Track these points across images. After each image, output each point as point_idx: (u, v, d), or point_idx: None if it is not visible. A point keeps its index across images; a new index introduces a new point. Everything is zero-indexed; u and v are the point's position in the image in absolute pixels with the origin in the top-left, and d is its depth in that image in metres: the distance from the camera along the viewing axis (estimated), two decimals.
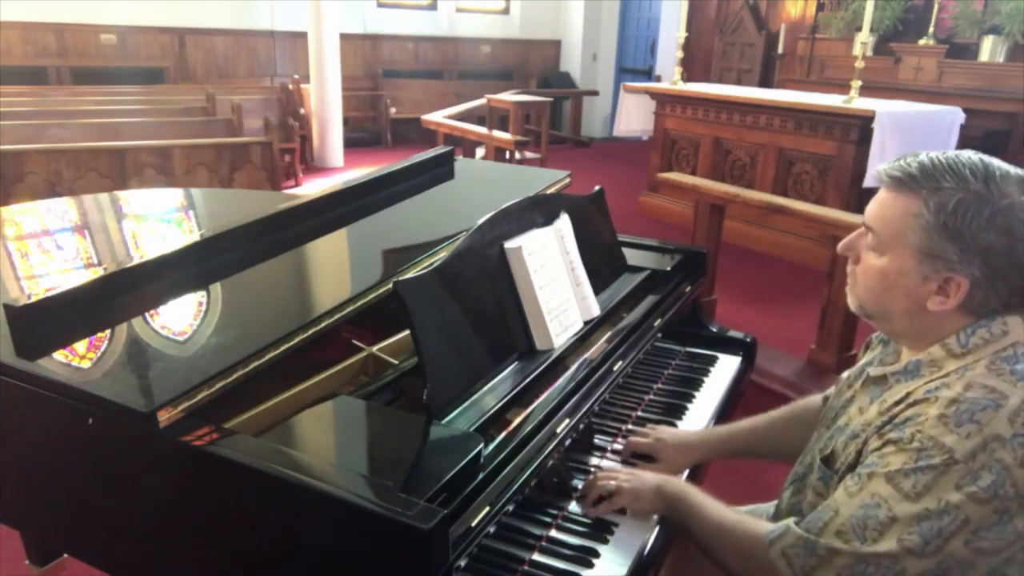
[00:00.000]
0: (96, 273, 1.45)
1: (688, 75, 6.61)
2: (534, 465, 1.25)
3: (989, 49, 6.16)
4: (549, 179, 2.29)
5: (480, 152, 7.04)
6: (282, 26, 9.27)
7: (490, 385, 1.37)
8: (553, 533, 1.30)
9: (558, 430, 1.34)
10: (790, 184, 5.19)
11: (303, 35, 8.44)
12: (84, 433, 1.20)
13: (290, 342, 1.29)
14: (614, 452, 1.56)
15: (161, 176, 5.21)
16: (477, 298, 1.42)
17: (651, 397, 1.79)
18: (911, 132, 4.58)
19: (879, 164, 1.16)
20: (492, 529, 1.16)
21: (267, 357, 1.25)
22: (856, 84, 4.84)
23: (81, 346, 1.33)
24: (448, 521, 0.99)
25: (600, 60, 11.12)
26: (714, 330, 2.13)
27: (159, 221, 2.42)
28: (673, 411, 1.76)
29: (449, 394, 1.28)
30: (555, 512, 1.34)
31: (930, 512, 0.99)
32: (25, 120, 5.85)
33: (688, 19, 6.14)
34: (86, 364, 1.29)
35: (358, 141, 9.30)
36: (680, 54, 6.09)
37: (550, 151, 8.01)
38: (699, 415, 1.77)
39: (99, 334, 1.37)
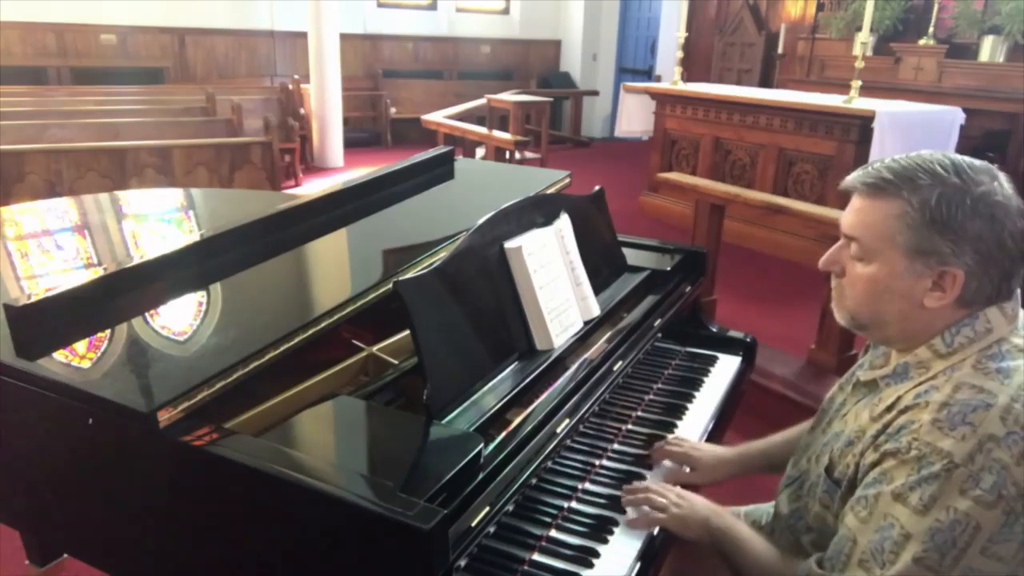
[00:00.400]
0: (96, 273, 1.45)
1: (688, 75, 6.61)
2: (534, 465, 1.25)
3: (989, 49, 6.15)
4: (549, 179, 2.29)
5: (480, 152, 7.04)
6: (282, 26, 9.27)
7: (490, 385, 1.37)
8: (553, 533, 1.30)
9: (558, 430, 1.34)
10: (790, 184, 5.19)
11: (303, 35, 8.44)
12: (84, 433, 1.20)
13: (290, 342, 1.30)
14: (614, 452, 1.56)
15: (161, 176, 5.21)
16: (477, 298, 1.42)
17: (651, 397, 1.79)
18: (911, 132, 4.58)
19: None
20: (492, 529, 1.16)
21: (267, 357, 1.25)
22: (856, 84, 4.84)
23: (81, 346, 1.33)
24: (448, 521, 0.99)
25: (600, 60, 11.12)
26: (714, 330, 2.13)
27: (159, 221, 2.42)
28: (673, 411, 1.76)
29: (449, 394, 1.28)
30: (555, 512, 1.34)
31: (941, 523, 0.98)
32: (25, 120, 5.85)
33: (688, 19, 6.14)
34: (86, 364, 1.29)
35: (358, 141, 9.30)
36: (680, 54, 6.09)
37: (550, 151, 8.01)
38: (699, 415, 1.77)
39: (99, 334, 1.37)
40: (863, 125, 4.63)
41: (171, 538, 1.20)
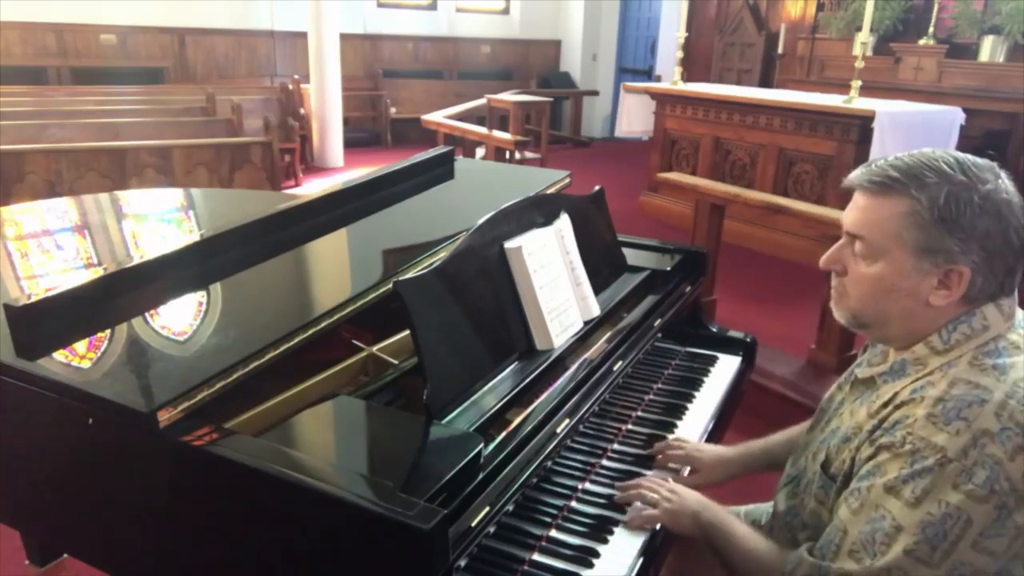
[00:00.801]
0: (96, 273, 1.45)
1: (688, 75, 6.61)
2: (534, 465, 1.25)
3: (989, 49, 6.15)
4: (549, 179, 2.29)
5: (480, 152, 7.04)
6: (282, 26, 9.27)
7: (490, 385, 1.37)
8: (553, 533, 1.30)
9: (558, 430, 1.34)
10: (790, 184, 5.19)
11: (303, 35, 8.44)
12: (84, 433, 1.20)
13: (290, 342, 1.30)
14: (615, 452, 1.56)
15: (161, 176, 5.21)
16: (477, 298, 1.42)
17: (651, 397, 1.79)
18: (911, 132, 4.58)
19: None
20: (492, 529, 1.16)
21: (267, 357, 1.25)
22: (856, 84, 4.84)
23: (81, 346, 1.33)
24: (448, 521, 0.99)
25: (600, 60, 11.12)
26: (714, 330, 2.13)
27: (159, 221, 2.42)
28: (673, 411, 1.76)
29: (449, 394, 1.28)
30: (555, 512, 1.34)
31: (933, 516, 0.99)
32: (25, 120, 5.85)
33: (688, 19, 6.14)
34: (86, 364, 1.29)
35: (358, 141, 9.30)
36: (680, 54, 6.09)
37: (550, 151, 8.01)
38: (699, 415, 1.77)
39: (99, 334, 1.37)
40: (863, 125, 4.63)
41: (171, 538, 1.20)
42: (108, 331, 1.38)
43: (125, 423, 1.14)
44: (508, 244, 1.51)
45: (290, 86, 8.36)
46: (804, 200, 4.61)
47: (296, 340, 1.31)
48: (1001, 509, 0.98)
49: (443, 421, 1.24)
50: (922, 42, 6.53)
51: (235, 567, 1.16)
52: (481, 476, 1.12)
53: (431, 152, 2.44)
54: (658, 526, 1.32)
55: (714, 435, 1.74)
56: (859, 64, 4.89)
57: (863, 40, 4.87)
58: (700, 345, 2.08)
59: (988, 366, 1.04)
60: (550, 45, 11.33)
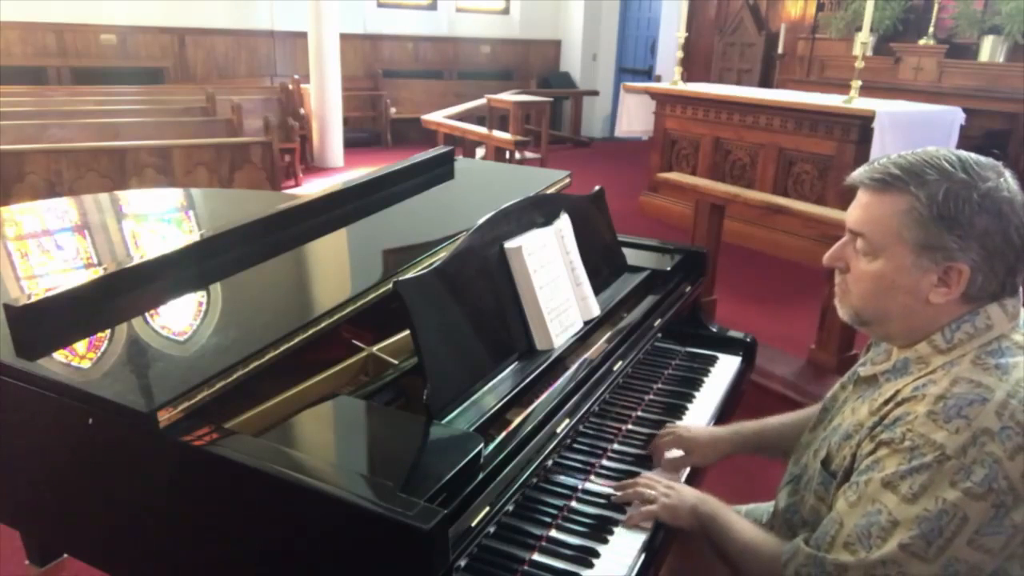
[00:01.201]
0: (96, 273, 1.45)
1: (688, 75, 6.61)
2: (534, 465, 1.25)
3: (989, 49, 6.15)
4: (549, 179, 2.29)
5: (480, 152, 7.04)
6: (282, 26, 9.27)
7: (490, 385, 1.37)
8: (553, 533, 1.30)
9: (558, 430, 1.34)
10: (790, 184, 5.19)
11: (303, 35, 8.44)
12: (84, 433, 1.20)
13: (290, 342, 1.29)
14: (615, 452, 1.56)
15: (161, 176, 5.21)
16: (477, 298, 1.42)
17: (651, 397, 1.79)
18: (911, 132, 4.58)
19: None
20: (492, 529, 1.16)
21: (267, 357, 1.25)
22: (856, 84, 4.84)
23: (81, 346, 1.33)
24: (448, 521, 0.99)
25: (600, 60, 11.12)
26: (714, 330, 2.13)
27: (159, 221, 2.42)
28: (673, 411, 1.76)
29: (449, 394, 1.28)
30: (555, 512, 1.34)
31: (929, 512, 1.00)
32: (25, 120, 5.85)
33: (688, 19, 6.14)
34: (86, 364, 1.29)
35: (358, 141, 9.29)
36: (680, 54, 6.09)
37: (550, 151, 8.01)
38: (699, 415, 1.77)
39: (99, 334, 1.37)
40: (863, 125, 4.63)
41: (171, 538, 1.20)
42: (108, 331, 1.38)
43: (125, 423, 1.13)
44: (508, 244, 1.51)
45: (290, 86, 8.36)
46: (804, 200, 4.61)
47: (296, 340, 1.31)
48: (999, 508, 0.98)
49: (443, 421, 1.24)
50: (922, 42, 6.53)
51: (235, 567, 1.16)
52: (481, 476, 1.11)
53: (431, 152, 2.44)
54: (658, 524, 1.32)
55: None
56: (859, 64, 4.89)
57: (863, 40, 4.87)
58: (700, 345, 2.08)
59: (991, 365, 1.05)
60: (550, 45, 11.33)
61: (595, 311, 1.67)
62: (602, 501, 1.39)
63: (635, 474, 1.48)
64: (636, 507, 1.35)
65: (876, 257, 1.11)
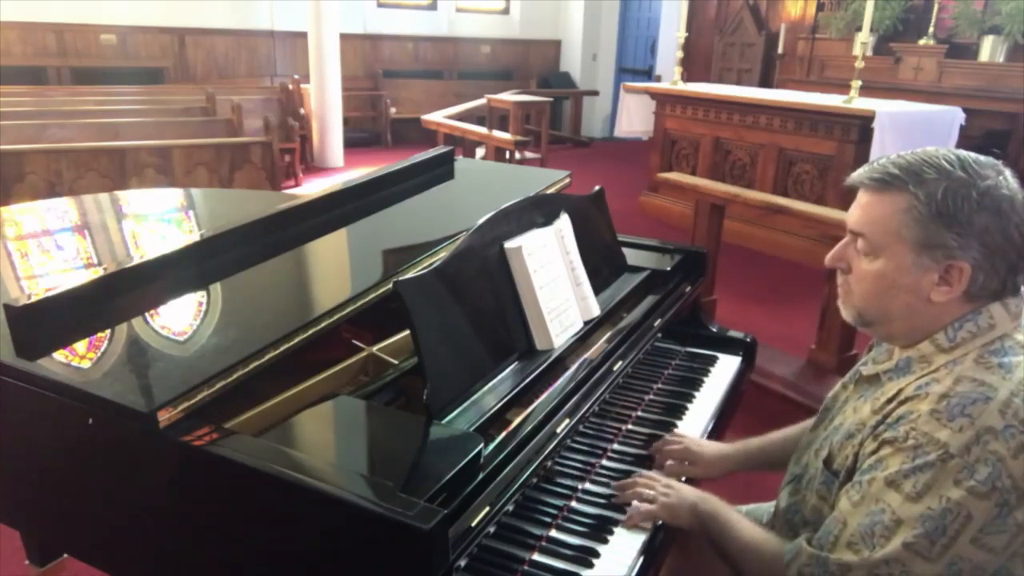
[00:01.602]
0: (96, 273, 1.45)
1: (688, 75, 6.61)
2: (534, 465, 1.25)
3: (989, 49, 6.16)
4: (549, 179, 2.29)
5: (480, 152, 7.04)
6: (282, 26, 9.27)
7: (490, 385, 1.37)
8: (553, 533, 1.30)
9: (558, 430, 1.34)
10: (790, 184, 5.19)
11: (303, 35, 8.44)
12: (84, 433, 1.20)
13: (290, 342, 1.29)
14: (615, 452, 1.56)
15: (161, 176, 5.21)
16: (477, 298, 1.42)
17: (651, 397, 1.79)
18: (911, 132, 4.58)
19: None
20: (492, 529, 1.16)
21: (267, 357, 1.25)
22: (856, 84, 4.84)
23: (81, 346, 1.33)
24: (448, 521, 0.99)
25: (600, 60, 11.12)
26: (714, 330, 2.13)
27: (159, 221, 2.42)
28: (673, 411, 1.76)
29: (449, 394, 1.28)
30: (555, 512, 1.34)
31: (933, 511, 1.00)
32: (25, 120, 5.85)
33: (688, 19, 6.14)
34: (86, 364, 1.29)
35: (358, 141, 9.30)
36: (680, 54, 6.09)
37: (550, 151, 8.01)
38: (699, 415, 1.77)
39: (99, 334, 1.37)
40: (863, 125, 4.63)
41: (171, 538, 1.20)
42: (108, 331, 1.38)
43: (125, 423, 1.13)
44: (508, 244, 1.51)
45: (290, 86, 8.36)
46: (804, 200, 4.61)
47: (296, 340, 1.31)
48: (1002, 506, 0.98)
49: (443, 421, 1.24)
50: (922, 42, 6.53)
51: (235, 567, 1.16)
52: (481, 476, 1.11)
53: (431, 152, 2.44)
54: (658, 523, 1.32)
55: (714, 435, 1.73)
56: (859, 64, 4.89)
57: (863, 40, 4.87)
58: (700, 345, 2.08)
59: (994, 364, 1.05)
60: (550, 45, 11.33)
61: (595, 311, 1.67)
62: (602, 501, 1.39)
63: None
64: (636, 507, 1.35)
65: (877, 257, 1.11)
